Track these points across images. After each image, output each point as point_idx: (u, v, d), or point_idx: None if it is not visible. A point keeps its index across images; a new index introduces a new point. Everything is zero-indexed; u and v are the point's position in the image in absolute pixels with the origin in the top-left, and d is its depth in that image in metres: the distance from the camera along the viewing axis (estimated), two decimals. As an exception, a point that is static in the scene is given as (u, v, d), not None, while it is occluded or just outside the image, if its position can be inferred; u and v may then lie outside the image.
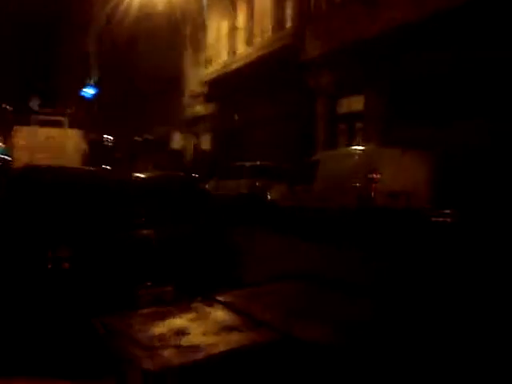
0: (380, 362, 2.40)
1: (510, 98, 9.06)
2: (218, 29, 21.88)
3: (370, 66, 12.57)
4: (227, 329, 2.06)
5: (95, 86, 36.50)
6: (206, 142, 23.82)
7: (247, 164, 14.14)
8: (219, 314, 2.27)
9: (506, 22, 9.09)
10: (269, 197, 12.22)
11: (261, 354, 1.90)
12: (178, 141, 26.34)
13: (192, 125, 24.74)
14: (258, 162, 14.12)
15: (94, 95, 36.10)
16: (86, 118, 29.92)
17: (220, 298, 2.52)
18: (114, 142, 28.59)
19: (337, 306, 2.80)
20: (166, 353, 1.89)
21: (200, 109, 23.74)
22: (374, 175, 8.90)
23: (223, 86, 20.51)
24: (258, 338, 1.97)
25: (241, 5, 20.00)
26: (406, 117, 11.83)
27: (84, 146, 19.18)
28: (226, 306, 2.38)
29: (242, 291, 2.81)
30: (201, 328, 2.10)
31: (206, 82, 22.13)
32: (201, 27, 23.21)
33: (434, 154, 9.32)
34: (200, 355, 1.87)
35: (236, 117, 19.83)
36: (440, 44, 10.50)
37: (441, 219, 7.91)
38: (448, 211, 8.01)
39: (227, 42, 20.65)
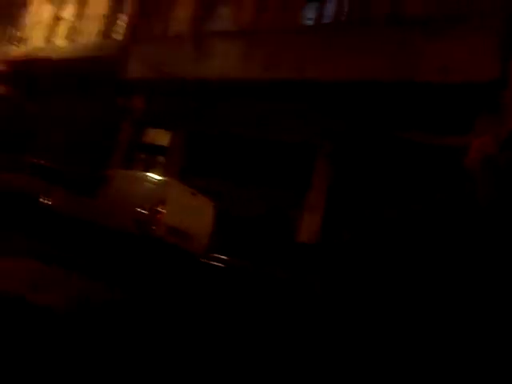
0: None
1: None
2: (39, 11, 20.07)
3: (184, 105, 12.93)
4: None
5: None
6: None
7: (29, 159, 12.83)
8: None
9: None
10: (44, 200, 11.20)
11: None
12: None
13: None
14: (43, 161, 12.94)
15: None
16: None
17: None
18: None
19: (71, 283, 2.94)
20: None
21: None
22: (161, 207, 8.95)
23: (27, 72, 18.64)
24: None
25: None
26: (202, 164, 12.47)
27: None
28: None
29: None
30: None
31: (6, 61, 19.84)
32: (19, 2, 21.04)
33: (220, 205, 9.94)
34: None
35: (32, 108, 18.08)
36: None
37: (212, 263, 8.28)
38: (223, 257, 8.45)
39: (47, 28, 19.03)
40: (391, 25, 9.82)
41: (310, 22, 12.05)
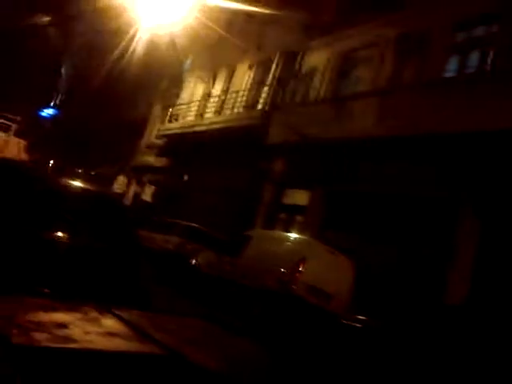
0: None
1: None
2: (192, 90, 22.49)
3: (322, 165, 13.14)
4: (111, 334, 1.91)
5: (56, 107, 35.94)
6: (148, 193, 23.54)
7: (182, 223, 13.97)
8: (109, 322, 2.12)
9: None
10: (194, 261, 11.99)
11: (141, 363, 1.77)
12: (120, 184, 25.94)
13: (140, 173, 24.54)
14: (195, 224, 14.00)
15: (52, 116, 35.42)
16: (34, 132, 28.95)
17: (115, 310, 2.36)
18: (54, 166, 27.69)
19: (231, 345, 2.78)
20: (39, 335, 1.72)
21: (152, 160, 23.71)
22: (301, 265, 8.99)
23: (181, 145, 20.73)
24: (143, 349, 1.84)
25: (221, 76, 20.83)
26: (341, 222, 12.38)
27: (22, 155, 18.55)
28: (119, 317, 2.23)
29: (143, 313, 2.67)
30: (83, 327, 1.95)
31: (165, 135, 22.31)
32: (177, 85, 23.79)
33: (358, 262, 9.69)
34: (72, 345, 1.71)
35: (186, 177, 19.89)
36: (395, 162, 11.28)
37: (351, 323, 8.00)
38: (362, 317, 8.14)
39: (198, 105, 21.16)
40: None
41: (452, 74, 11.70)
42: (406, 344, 7.20)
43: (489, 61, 11.01)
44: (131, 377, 1.77)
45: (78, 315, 2.05)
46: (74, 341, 1.75)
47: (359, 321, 7.98)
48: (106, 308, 2.29)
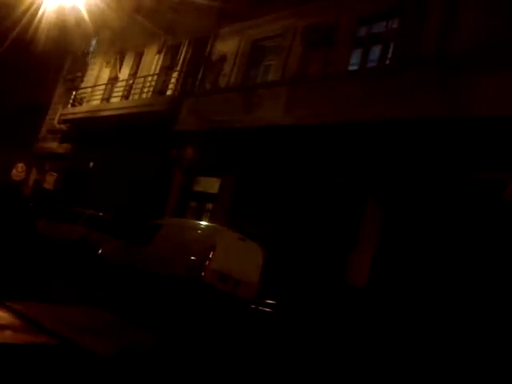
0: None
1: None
2: (98, 74, 21.51)
3: (232, 153, 13.21)
4: (1, 326, 1.78)
5: None
6: (50, 181, 22.24)
7: (87, 211, 13.42)
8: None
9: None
10: (100, 250, 11.56)
11: (32, 353, 1.68)
12: (20, 172, 24.28)
13: (41, 160, 23.13)
14: (100, 213, 13.49)
15: None
16: None
17: (8, 303, 2.22)
18: None
19: (122, 332, 2.86)
20: None
21: (54, 146, 22.46)
22: (211, 253, 8.99)
23: (86, 130, 19.81)
24: (34, 339, 1.73)
25: (128, 59, 20.11)
26: (250, 208, 12.56)
27: None
28: (11, 310, 2.09)
29: (37, 304, 2.56)
30: (-32, 321, 1.79)
31: (69, 120, 21.19)
32: (82, 68, 22.64)
33: (267, 249, 9.88)
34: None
35: (91, 164, 19.04)
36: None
37: (260, 308, 8.15)
38: (270, 302, 8.32)
39: (104, 88, 20.29)
40: (440, 62, 9.70)
41: (355, 68, 12.22)
42: (311, 325, 7.48)
43: (389, 54, 11.64)
44: (21, 367, 1.68)
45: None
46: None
47: (267, 305, 8.16)
48: (-1, 301, 2.15)
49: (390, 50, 11.70)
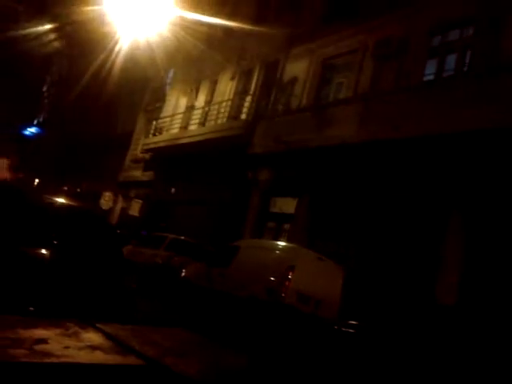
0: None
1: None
2: (176, 103, 22.47)
3: (307, 172, 13.19)
4: (92, 348, 1.89)
5: (39, 126, 35.67)
6: (135, 208, 23.36)
7: (170, 236, 13.91)
8: (90, 335, 2.10)
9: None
10: (183, 273, 11.92)
11: (121, 375, 1.75)
12: (107, 200, 25.72)
13: (126, 188, 24.39)
14: (182, 237, 13.94)
15: (36, 134, 35.14)
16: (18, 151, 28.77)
17: (98, 325, 2.34)
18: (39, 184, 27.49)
19: (213, 354, 2.79)
20: (15, 351, 1.69)
21: (138, 174, 23.61)
22: (290, 273, 8.96)
23: (167, 158, 20.69)
24: (123, 360, 1.82)
25: (203, 88, 20.87)
26: (328, 228, 12.41)
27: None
28: (101, 330, 2.21)
29: (126, 325, 2.65)
30: (63, 342, 1.92)
31: (151, 149, 22.25)
32: (160, 98, 23.77)
33: (347, 268, 9.71)
34: (50, 360, 1.69)
35: (173, 190, 19.81)
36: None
37: (344, 329, 7.97)
38: (354, 322, 8.11)
39: (182, 117, 21.15)
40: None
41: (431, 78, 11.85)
42: (399, 345, 7.20)
43: (466, 63, 11.20)
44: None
45: (58, 330, 2.03)
46: (53, 355, 1.73)
47: (351, 326, 7.97)
48: (88, 322, 2.27)
49: (467, 58, 11.25)
